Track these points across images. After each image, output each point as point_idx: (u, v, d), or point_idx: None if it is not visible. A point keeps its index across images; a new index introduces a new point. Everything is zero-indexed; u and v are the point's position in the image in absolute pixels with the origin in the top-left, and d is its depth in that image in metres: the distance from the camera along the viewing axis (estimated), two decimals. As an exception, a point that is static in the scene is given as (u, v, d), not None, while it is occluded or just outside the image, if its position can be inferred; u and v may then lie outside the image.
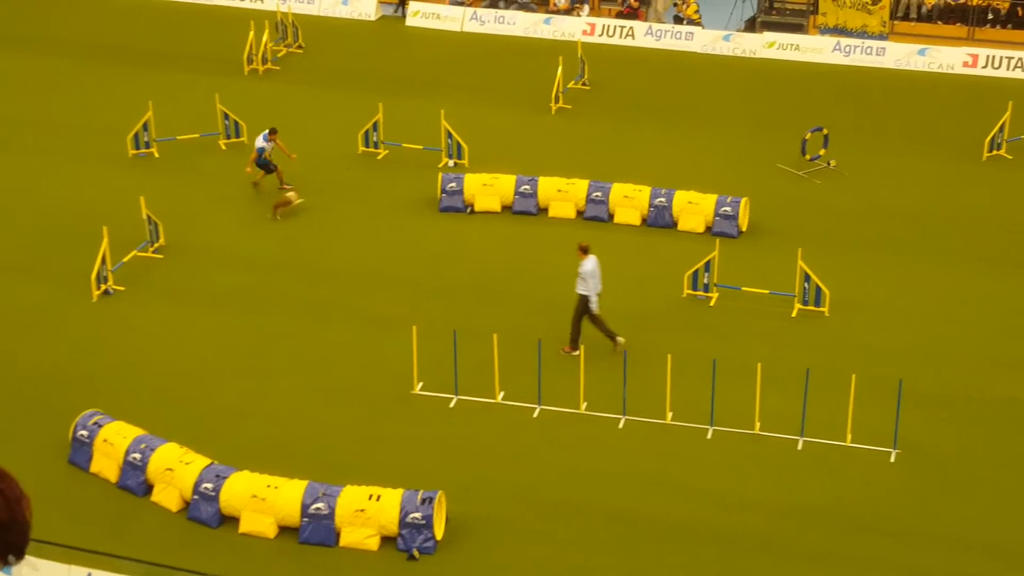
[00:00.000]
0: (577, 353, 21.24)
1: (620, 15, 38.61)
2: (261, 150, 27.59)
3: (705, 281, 24.01)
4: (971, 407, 20.95)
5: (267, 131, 27.65)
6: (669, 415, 20.66)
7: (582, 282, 21.97)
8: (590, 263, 22.01)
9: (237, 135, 30.21)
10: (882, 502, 18.91)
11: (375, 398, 21.33)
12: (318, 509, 18.07)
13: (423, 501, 17.96)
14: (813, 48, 36.19)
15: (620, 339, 22.23)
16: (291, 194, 27.04)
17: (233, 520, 18.45)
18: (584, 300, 22.00)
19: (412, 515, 17.92)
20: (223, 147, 30.07)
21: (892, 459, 19.74)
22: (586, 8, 38.96)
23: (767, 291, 23.96)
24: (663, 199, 26.68)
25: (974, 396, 21.23)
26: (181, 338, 23.03)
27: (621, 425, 20.63)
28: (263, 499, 18.21)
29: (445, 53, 36.78)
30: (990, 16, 36.49)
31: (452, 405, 21.14)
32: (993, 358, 22.23)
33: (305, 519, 18.11)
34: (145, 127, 29.66)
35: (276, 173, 27.78)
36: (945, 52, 35.29)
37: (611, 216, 26.95)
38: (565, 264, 25.36)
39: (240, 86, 33.44)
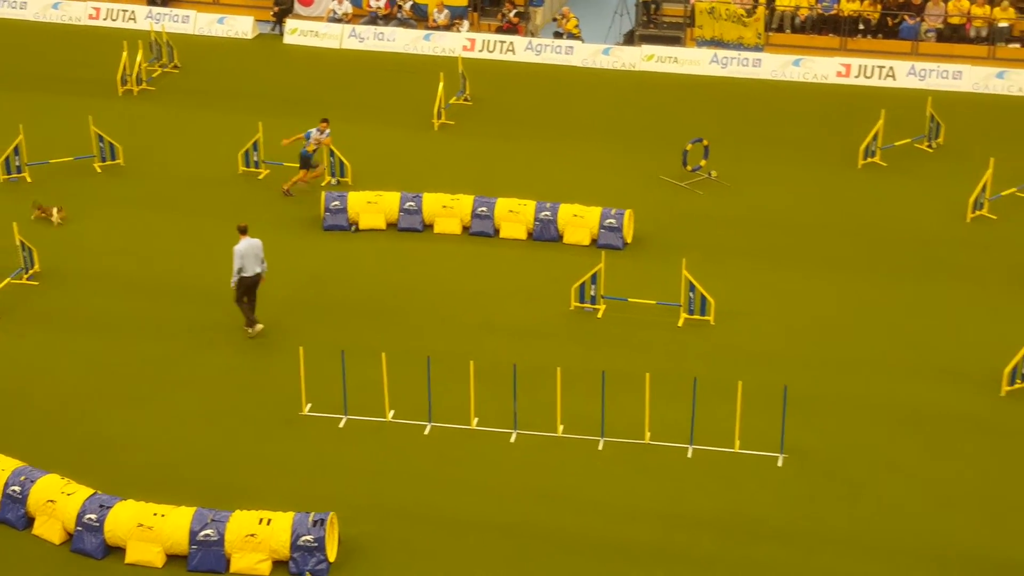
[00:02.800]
0: (254, 331, 22.66)
1: (500, 30, 38.68)
2: (308, 135, 27.71)
3: (592, 293, 24.08)
4: (854, 410, 21.25)
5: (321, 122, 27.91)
6: (560, 428, 20.65)
7: (239, 261, 22.44)
8: (242, 244, 22.38)
9: (112, 158, 29.63)
10: (771, 507, 19.09)
11: (262, 421, 21.00)
12: (207, 536, 17.72)
13: (314, 523, 17.73)
14: (691, 60, 36.61)
15: (258, 327, 22.84)
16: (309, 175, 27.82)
17: (119, 551, 18.01)
18: (255, 280, 22.59)
19: (304, 538, 17.67)
20: (98, 170, 29.47)
21: (779, 464, 19.95)
22: (466, 24, 38.95)
23: (654, 302, 24.10)
24: (548, 213, 26.73)
25: (857, 400, 21.54)
26: (59, 366, 22.46)
27: (513, 439, 20.56)
28: (150, 528, 17.81)
29: (325, 71, 36.51)
30: (861, 26, 37.24)
31: (342, 425, 20.90)
32: (874, 362, 22.60)
33: (194, 546, 17.75)
34: (16, 151, 28.96)
35: (314, 171, 27.82)
36: (819, 62, 35.94)
37: (497, 231, 26.93)
38: (453, 280, 25.32)
39: (114, 107, 32.82)
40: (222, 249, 23.69)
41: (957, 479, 19.64)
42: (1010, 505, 19.06)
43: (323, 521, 17.73)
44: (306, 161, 28.08)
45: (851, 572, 17.85)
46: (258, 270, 22.80)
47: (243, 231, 22.76)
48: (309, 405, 21.21)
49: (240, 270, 22.66)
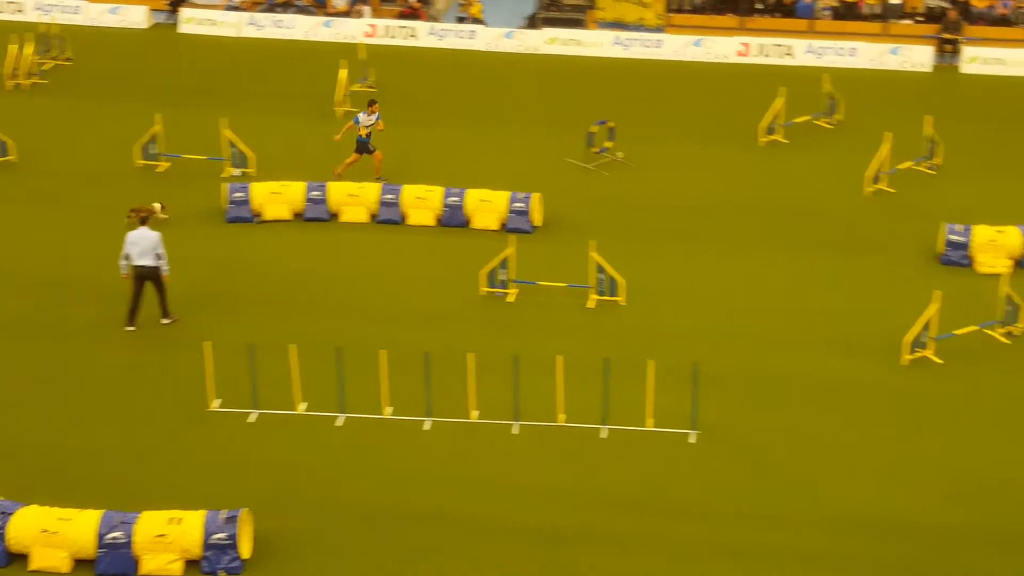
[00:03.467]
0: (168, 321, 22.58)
1: (402, 16, 38.46)
2: (356, 120, 27.68)
3: (502, 278, 24.06)
4: (763, 385, 21.49)
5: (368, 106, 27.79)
6: (474, 413, 20.62)
7: (126, 247, 22.36)
8: (134, 233, 22.34)
9: (4, 154, 28.99)
10: (685, 483, 19.23)
11: (169, 419, 20.68)
12: (115, 538, 17.39)
13: (226, 520, 17.49)
14: (593, 43, 36.73)
15: (163, 320, 22.72)
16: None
17: (22, 558, 17.61)
18: (145, 272, 22.40)
19: (216, 535, 17.42)
20: (-7, 167, 28.89)
21: (692, 440, 20.10)
22: (367, 9, 38.66)
23: (564, 284, 24.15)
24: (456, 198, 26.65)
25: (766, 374, 21.78)
26: (-40, 369, 21.94)
27: (427, 427, 20.48)
28: (55, 533, 17.42)
29: (223, 60, 36.06)
30: (759, 6, 37.61)
31: (252, 420, 20.66)
32: (780, 336, 22.88)
33: (102, 550, 17.41)
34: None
35: (372, 155, 27.82)
36: (719, 42, 36.28)
37: (404, 218, 26.80)
38: (361, 269, 25.15)
39: (4, 102, 32.10)
40: (121, 245, 23.28)
41: (862, 448, 19.94)
42: (912, 471, 19.40)
43: (235, 518, 17.49)
44: (363, 146, 27.93)
45: (764, 544, 18.04)
46: (148, 263, 22.43)
47: (142, 220, 22.49)
48: (218, 401, 20.94)
49: (127, 256, 22.40)
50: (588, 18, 38.16)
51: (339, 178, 28.00)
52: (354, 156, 28.19)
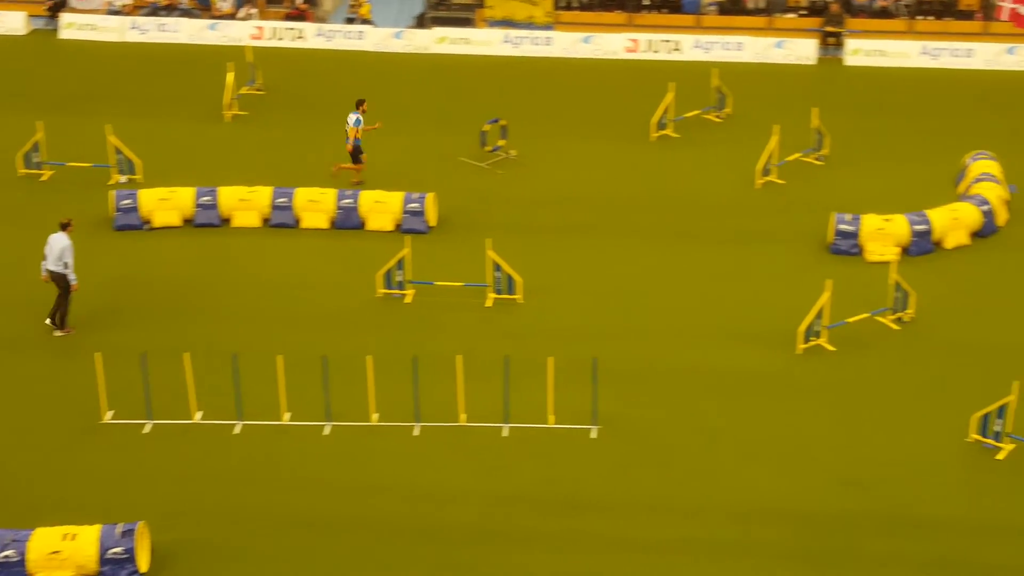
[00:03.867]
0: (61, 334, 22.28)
1: (288, 17, 38.12)
2: (358, 122, 27.36)
3: (399, 279, 23.94)
4: (662, 378, 21.65)
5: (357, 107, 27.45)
6: (375, 416, 20.49)
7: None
8: (52, 237, 22.16)
9: None
10: (587, 478, 19.31)
11: (61, 432, 20.25)
12: (7, 557, 16.99)
13: (123, 534, 17.19)
14: (483, 41, 36.72)
15: (56, 332, 22.47)
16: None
17: (-84, 578, 17.16)
18: (52, 276, 22.19)
19: (112, 550, 17.12)
20: None
21: (593, 435, 20.18)
22: (253, 12, 38.26)
23: (461, 284, 24.10)
24: (350, 200, 26.47)
25: (664, 367, 21.95)
26: None
27: (327, 432, 20.31)
28: (-55, 552, 17.00)
29: (106, 65, 35.44)
30: (646, 2, 37.89)
31: (147, 431, 20.32)
32: (677, 328, 23.06)
33: (-4, 568, 17.05)
34: None
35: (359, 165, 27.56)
36: (608, 39, 36.47)
37: (298, 221, 26.55)
38: (255, 274, 24.86)
39: None
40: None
41: (761, 437, 20.19)
42: (809, 457, 19.69)
43: (132, 531, 17.22)
44: (357, 152, 27.77)
45: (667, 536, 18.19)
46: (57, 268, 22.08)
47: (63, 226, 22.27)
48: (111, 412, 20.56)
49: (45, 258, 22.23)
50: (477, 17, 38.15)
51: (360, 185, 27.76)
52: (345, 166, 27.95)
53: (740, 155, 29.27)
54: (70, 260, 22.12)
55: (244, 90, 33.04)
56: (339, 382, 20.60)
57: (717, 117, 31.78)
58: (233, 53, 34.29)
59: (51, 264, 22.15)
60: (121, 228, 26.36)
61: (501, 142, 29.58)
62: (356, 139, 27.70)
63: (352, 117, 27.67)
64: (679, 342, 22.68)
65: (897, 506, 18.64)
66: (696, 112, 31.59)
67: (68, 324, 22.60)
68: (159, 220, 26.52)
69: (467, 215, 26.95)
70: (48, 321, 22.58)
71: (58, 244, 22.08)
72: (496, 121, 29.59)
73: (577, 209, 27.41)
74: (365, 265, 24.60)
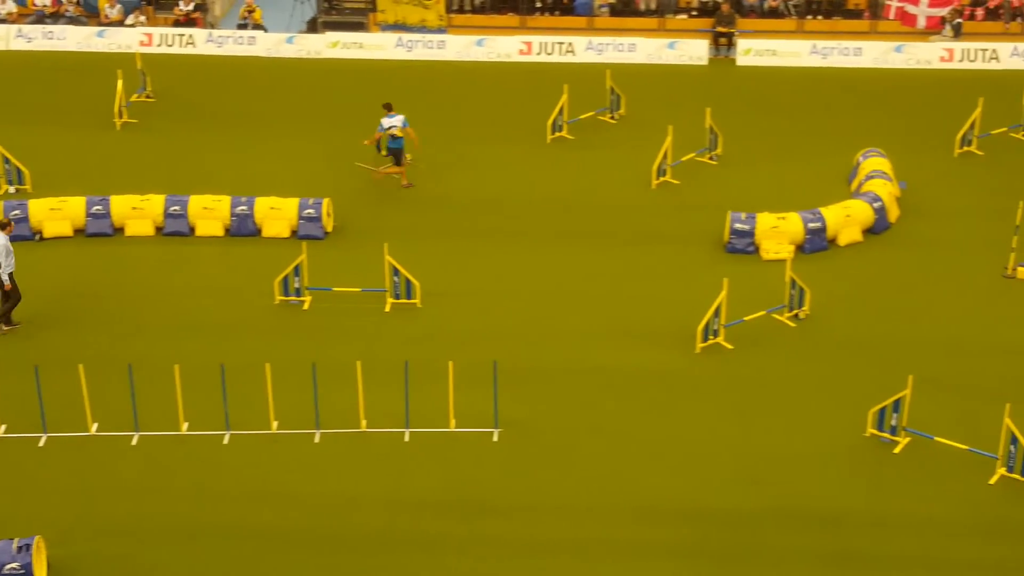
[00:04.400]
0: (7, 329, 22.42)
1: (177, 23, 37.65)
2: (381, 128, 27.37)
3: (296, 285, 23.76)
4: (563, 379, 21.73)
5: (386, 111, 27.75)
6: (275, 424, 20.31)
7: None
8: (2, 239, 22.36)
9: None
10: (490, 481, 19.33)
11: (-46, 447, 19.82)
12: (-98, 576, 16.61)
13: (19, 549, 16.86)
14: (376, 45, 36.58)
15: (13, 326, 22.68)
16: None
17: None
18: None
19: (8, 566, 16.80)
20: None
21: (495, 438, 20.20)
22: (142, 19, 37.72)
23: (359, 289, 23.99)
24: (244, 207, 26.21)
25: (565, 368, 22.03)
26: None
27: (226, 441, 20.08)
28: None
29: (-8, 74, 34.70)
30: (539, 4, 38.04)
31: (41, 444, 19.93)
32: (577, 329, 23.17)
33: None
34: None
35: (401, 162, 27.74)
36: (501, 41, 36.53)
37: (192, 229, 26.23)
38: (150, 283, 24.51)
39: None
40: None
41: (662, 436, 20.35)
42: (710, 455, 19.90)
43: (28, 546, 16.90)
44: (399, 151, 27.92)
45: (570, 537, 18.27)
46: None
47: (1, 227, 22.50)
48: (3, 426, 20.14)
49: None
50: (370, 21, 38.00)
51: (409, 186, 28.12)
52: (399, 166, 28.19)
53: (635, 156, 29.51)
54: (4, 260, 22.14)
55: (134, 97, 32.58)
56: (238, 391, 20.39)
57: (611, 118, 32.01)
58: (122, 60, 33.78)
59: None
60: (11, 239, 25.76)
61: (397, 146, 29.49)
62: (394, 141, 27.90)
63: (398, 119, 27.78)
64: (579, 343, 22.78)
65: (797, 501, 18.91)
66: (591, 113, 31.78)
67: (12, 321, 22.70)
68: (50, 230, 26.04)
69: (364, 220, 26.83)
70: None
71: None
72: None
73: (474, 212, 27.43)
74: (262, 272, 24.38)
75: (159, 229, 26.30)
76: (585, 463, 19.77)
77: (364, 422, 20.33)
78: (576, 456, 19.93)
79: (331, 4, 38.79)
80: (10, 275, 22.48)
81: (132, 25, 37.34)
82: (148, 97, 33.00)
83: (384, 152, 29.05)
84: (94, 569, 17.50)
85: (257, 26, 37.21)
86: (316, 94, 33.86)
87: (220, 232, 26.23)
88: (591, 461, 19.81)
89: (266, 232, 26.23)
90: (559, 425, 20.61)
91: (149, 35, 36.72)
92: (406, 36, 36.67)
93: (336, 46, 36.56)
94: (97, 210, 26.14)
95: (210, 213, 26.20)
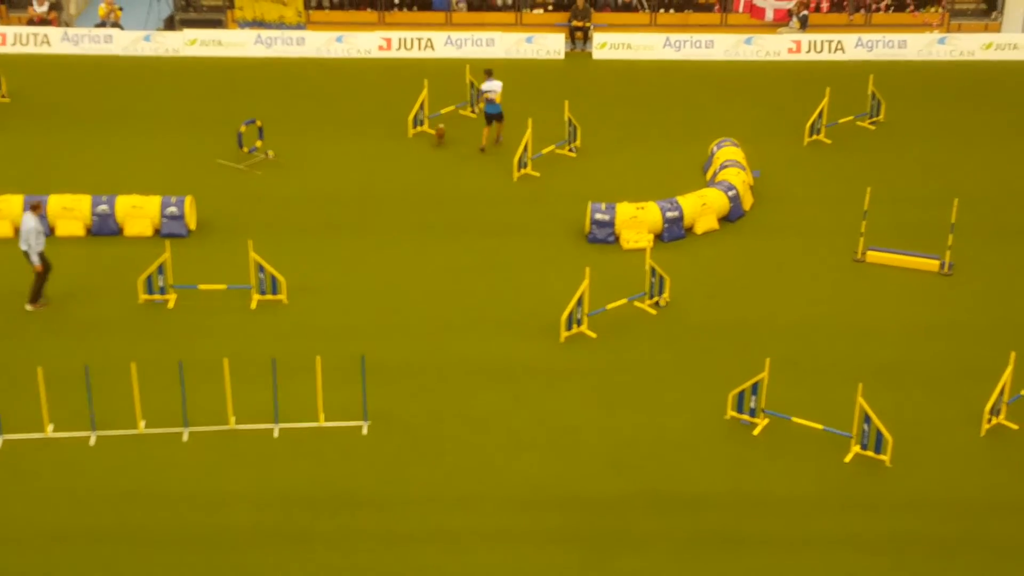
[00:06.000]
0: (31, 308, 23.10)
1: (31, 23, 36.95)
2: (481, 93, 28.09)
3: (160, 284, 23.60)
4: (431, 371, 21.94)
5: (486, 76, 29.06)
6: (142, 424, 20.19)
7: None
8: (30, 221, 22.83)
9: None
10: (360, 475, 19.47)
11: None
12: None
13: None
14: (235, 43, 36.34)
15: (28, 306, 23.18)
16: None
17: None
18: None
19: None
20: None
21: (364, 432, 20.35)
22: (-9, 16, 36.97)
23: (224, 286, 23.91)
24: (105, 206, 25.92)
25: (432, 361, 22.24)
26: None
27: (92, 442, 19.91)
28: None
29: None
30: (396, 0, 38.16)
31: (-99, 451, 19.57)
32: (445, 323, 23.40)
33: None
34: None
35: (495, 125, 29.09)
36: (361, 38, 36.56)
37: (52, 230, 25.84)
38: (10, 286, 24.09)
39: None
40: None
41: (528, 424, 20.68)
42: (577, 443, 20.28)
43: None
44: (498, 114, 29.41)
45: (442, 527, 18.49)
46: (24, 248, 22.91)
47: (33, 207, 23.00)
48: None
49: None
50: (228, 18, 37.71)
51: (483, 151, 29.44)
52: (487, 129, 29.05)
53: (496, 149, 29.83)
54: (34, 242, 22.71)
55: (-12, 96, 31.95)
56: (103, 391, 20.23)
57: (472, 113, 32.29)
58: (-26, 59, 33.10)
59: (23, 244, 22.84)
60: None
61: (258, 143, 29.42)
62: (492, 105, 29.14)
63: (496, 84, 29.00)
64: (445, 335, 23.02)
65: (662, 485, 19.35)
66: (451, 108, 32.02)
67: (41, 300, 23.37)
68: (-98, 234, 25.48)
69: (228, 217, 26.72)
70: (27, 307, 23.25)
71: (25, 227, 22.78)
72: (252, 122, 29.42)
73: (338, 207, 27.49)
74: (125, 271, 24.15)
75: (17, 230, 25.86)
76: (454, 454, 20.02)
77: (233, 419, 20.32)
78: (445, 447, 20.17)
79: (188, 2, 38.42)
80: (40, 254, 22.97)
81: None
82: (3, 97, 32.37)
83: (247, 149, 28.97)
84: (-40, 576, 17.26)
85: (115, 24, 36.69)
86: (176, 92, 33.53)
87: (81, 232, 25.90)
88: (460, 452, 20.06)
89: (128, 231, 25.98)
90: (428, 417, 20.83)
91: (3, 34, 35.98)
92: (265, 33, 36.50)
93: (195, 44, 36.24)
94: (-49, 213, 25.65)
95: (69, 213, 25.84)
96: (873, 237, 25.76)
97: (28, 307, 23.20)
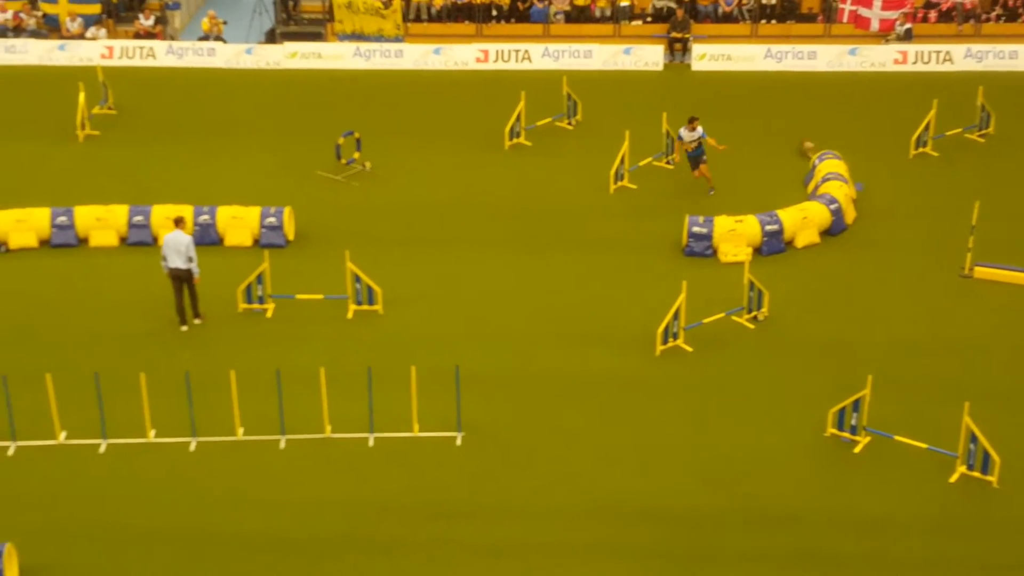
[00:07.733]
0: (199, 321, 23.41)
1: (138, 36, 37.69)
2: (680, 137, 28.14)
3: (259, 294, 23.88)
4: (525, 383, 21.90)
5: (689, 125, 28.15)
6: (240, 431, 20.43)
7: (163, 249, 23.07)
8: (169, 236, 22.92)
9: None
10: (453, 485, 19.49)
11: (-81, 459, 19.83)
12: None
13: (-11, 559, 16.94)
14: (334, 55, 36.73)
15: (188, 324, 23.28)
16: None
17: None
18: (178, 273, 23.00)
19: (-22, 576, 16.86)
20: None
21: (458, 442, 20.38)
22: (102, 31, 37.73)
23: (321, 296, 24.12)
24: (207, 216, 26.31)
25: (526, 373, 22.21)
26: None
27: (193, 448, 20.19)
28: None
29: (-48, 87, 34.65)
30: (494, 12, 38.28)
31: (11, 452, 19.98)
32: (538, 334, 23.36)
33: None
34: None
35: (702, 164, 28.29)
36: (458, 50, 36.74)
37: (156, 239, 26.27)
38: (116, 293, 24.56)
39: None
40: None
41: (623, 438, 20.55)
42: (671, 458, 20.11)
43: (-1, 554, 16.99)
44: (694, 160, 28.25)
45: (534, 540, 18.44)
46: (180, 264, 22.75)
47: (176, 222, 22.98)
48: (-30, 438, 20.21)
49: (164, 258, 22.90)
50: (328, 31, 38.14)
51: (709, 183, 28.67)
52: (696, 173, 28.60)
53: (592, 161, 29.78)
54: (194, 255, 22.87)
55: (96, 110, 32.61)
56: (204, 397, 20.50)
57: (569, 124, 32.28)
58: (84, 73, 33.82)
59: (175, 262, 22.77)
60: (-31, 251, 25.86)
61: (356, 155, 29.67)
62: (688, 152, 28.44)
63: (698, 132, 28.18)
64: (539, 347, 22.98)
65: (757, 502, 19.10)
66: (548, 120, 32.03)
67: (201, 312, 23.52)
68: (16, 242, 26.09)
69: (325, 228, 26.97)
70: (195, 320, 23.45)
71: (180, 242, 22.74)
72: (351, 134, 29.68)
73: (434, 219, 27.61)
74: (225, 280, 24.46)
75: (123, 240, 26.37)
76: (547, 466, 19.96)
77: (328, 427, 20.48)
78: (538, 459, 20.12)
79: (289, 15, 38.92)
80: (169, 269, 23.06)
81: (93, 38, 37.36)
82: (110, 109, 33.04)
83: (345, 161, 29.25)
84: (65, 575, 17.60)
85: (217, 38, 37.29)
86: (276, 104, 33.97)
87: (183, 242, 26.29)
88: (553, 464, 20.00)
89: (228, 241, 26.34)
90: (521, 428, 20.80)
91: (110, 48, 36.75)
92: (364, 46, 36.84)
93: (295, 56, 36.70)
94: (61, 221, 26.20)
95: (173, 223, 26.19)
96: (981, 252, 25.23)
97: (196, 321, 23.44)
